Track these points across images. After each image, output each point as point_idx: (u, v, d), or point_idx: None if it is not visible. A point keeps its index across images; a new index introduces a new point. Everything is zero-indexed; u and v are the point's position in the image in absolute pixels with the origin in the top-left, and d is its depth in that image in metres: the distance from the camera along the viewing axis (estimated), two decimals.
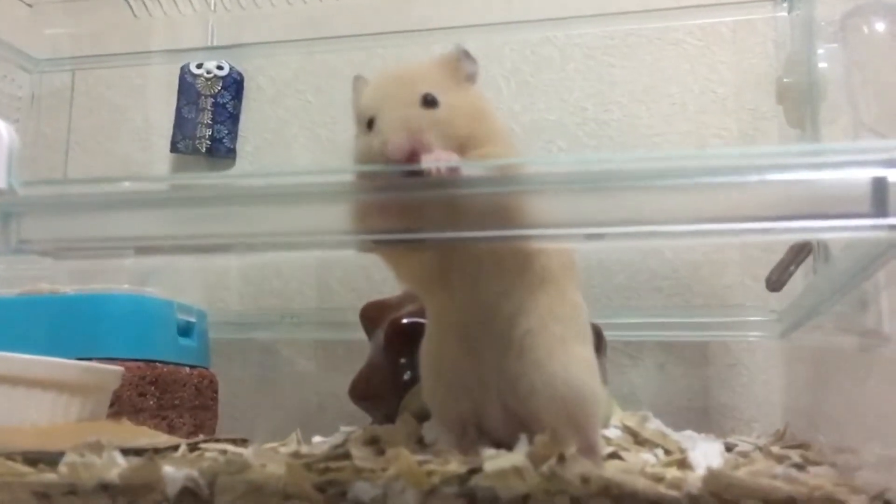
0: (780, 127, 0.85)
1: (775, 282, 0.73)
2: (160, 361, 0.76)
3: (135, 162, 1.07)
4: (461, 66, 0.51)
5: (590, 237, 0.36)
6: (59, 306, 0.75)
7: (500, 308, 0.46)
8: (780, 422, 0.76)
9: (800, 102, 0.74)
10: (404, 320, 0.61)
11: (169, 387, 0.76)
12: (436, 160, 0.41)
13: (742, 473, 0.37)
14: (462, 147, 0.46)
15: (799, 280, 0.73)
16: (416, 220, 0.37)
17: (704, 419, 0.89)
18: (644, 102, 0.96)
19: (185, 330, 0.82)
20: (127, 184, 0.40)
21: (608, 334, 0.70)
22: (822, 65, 0.71)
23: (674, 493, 0.34)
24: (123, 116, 1.07)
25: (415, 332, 0.57)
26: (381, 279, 0.90)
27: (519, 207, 0.36)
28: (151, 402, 0.73)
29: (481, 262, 0.46)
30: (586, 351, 0.48)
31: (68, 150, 1.05)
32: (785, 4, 0.86)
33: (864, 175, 0.31)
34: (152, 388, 0.74)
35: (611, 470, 0.37)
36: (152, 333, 0.77)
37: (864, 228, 0.31)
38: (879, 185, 0.31)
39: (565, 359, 0.46)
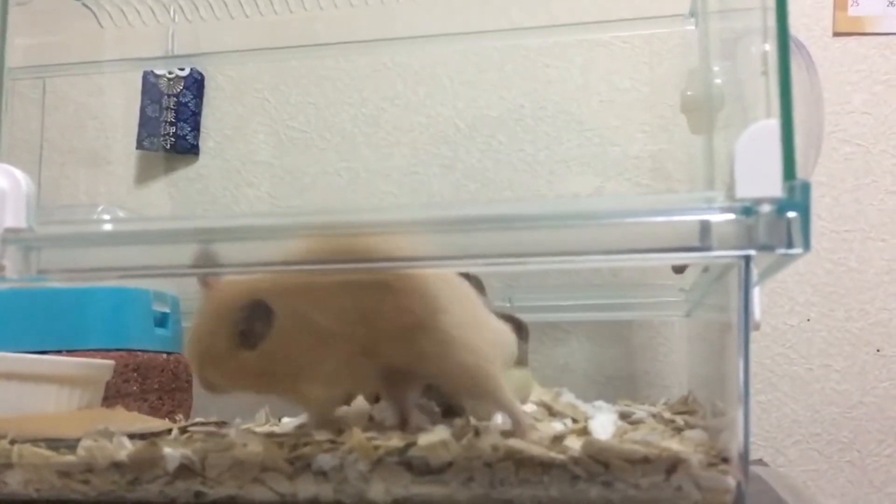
0: None
1: (679, 267, 0.84)
2: (140, 350, 0.81)
3: (103, 159, 1.14)
4: None
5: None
6: (45, 300, 0.78)
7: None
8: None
9: (700, 113, 0.84)
10: None
11: (149, 373, 0.81)
12: None
13: (615, 440, 0.48)
14: None
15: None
16: None
17: (631, 386, 1.01)
18: (576, 100, 1.06)
19: (161, 321, 0.88)
20: (119, 223, 0.49)
21: (548, 316, 0.82)
22: (717, 81, 0.80)
23: (561, 456, 0.45)
24: (90, 116, 1.13)
25: None
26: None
27: None
28: (135, 388, 0.79)
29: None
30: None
31: (42, 150, 1.11)
32: (693, 20, 0.94)
33: (695, 219, 0.42)
34: (135, 374, 0.79)
35: (513, 439, 0.48)
36: (132, 325, 0.83)
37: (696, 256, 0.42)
38: (705, 226, 0.42)
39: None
